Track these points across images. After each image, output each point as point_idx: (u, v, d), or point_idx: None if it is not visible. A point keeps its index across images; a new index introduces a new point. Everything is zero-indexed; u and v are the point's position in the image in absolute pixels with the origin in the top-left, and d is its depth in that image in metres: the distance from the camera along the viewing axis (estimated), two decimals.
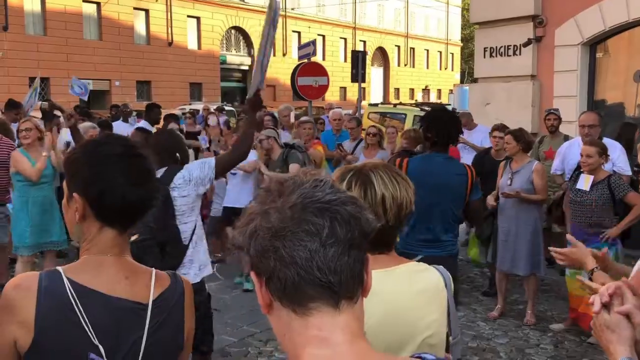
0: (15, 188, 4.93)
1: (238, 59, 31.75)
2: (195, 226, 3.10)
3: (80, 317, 1.20)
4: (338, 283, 0.78)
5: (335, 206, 0.79)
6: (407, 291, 1.42)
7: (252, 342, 4.37)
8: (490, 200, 4.93)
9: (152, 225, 2.83)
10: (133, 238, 2.59)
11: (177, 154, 3.19)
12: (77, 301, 1.21)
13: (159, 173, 3.08)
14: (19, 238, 4.87)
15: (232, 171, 5.48)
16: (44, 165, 4.81)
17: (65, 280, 1.22)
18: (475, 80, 8.67)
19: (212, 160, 3.08)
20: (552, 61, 7.31)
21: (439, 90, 45.14)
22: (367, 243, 0.82)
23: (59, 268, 1.26)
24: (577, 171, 4.56)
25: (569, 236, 1.96)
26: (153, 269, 1.36)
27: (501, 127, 5.52)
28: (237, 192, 5.57)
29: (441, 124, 3.43)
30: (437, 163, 3.36)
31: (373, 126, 6.62)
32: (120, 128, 7.99)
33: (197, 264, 3.12)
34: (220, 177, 3.14)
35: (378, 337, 1.26)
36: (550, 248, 2.00)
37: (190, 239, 3.06)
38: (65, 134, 7.00)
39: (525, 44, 7.41)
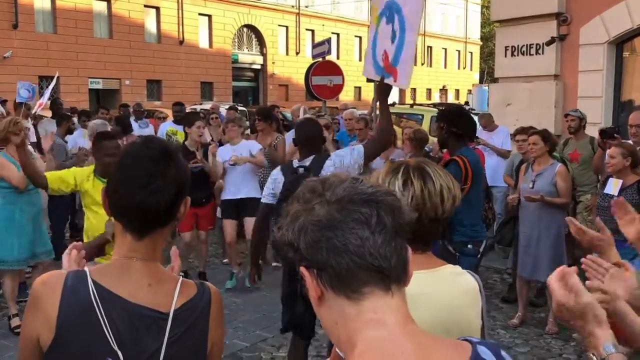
0: (0, 195, 4.56)
1: (250, 57, 31.91)
2: None
3: (101, 320, 1.22)
4: (388, 267, 0.85)
5: (379, 197, 0.87)
6: (454, 291, 1.49)
7: (264, 347, 4.40)
8: (512, 198, 4.96)
9: None
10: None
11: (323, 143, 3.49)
12: (99, 304, 1.23)
13: (307, 161, 3.27)
14: (5, 251, 4.49)
15: (230, 163, 5.59)
16: (50, 168, 4.66)
17: (90, 282, 1.25)
18: (495, 80, 8.63)
19: (360, 148, 3.29)
20: (577, 60, 7.25)
21: (457, 91, 44.93)
22: (407, 232, 0.90)
23: (86, 268, 1.30)
24: (607, 175, 4.53)
25: (598, 221, 1.91)
26: (180, 276, 1.37)
27: (524, 130, 5.49)
28: (237, 185, 5.65)
29: (466, 118, 3.88)
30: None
31: None
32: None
33: None
34: (369, 163, 3.36)
35: None
36: (568, 218, 1.91)
37: None
38: (78, 136, 7.14)
39: (549, 43, 7.37)
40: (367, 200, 0.86)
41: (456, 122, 3.84)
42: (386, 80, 3.38)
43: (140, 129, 8.23)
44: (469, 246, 3.62)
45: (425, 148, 5.47)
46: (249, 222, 5.36)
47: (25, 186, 4.49)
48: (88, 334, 1.22)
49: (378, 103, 3.62)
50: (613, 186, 4.28)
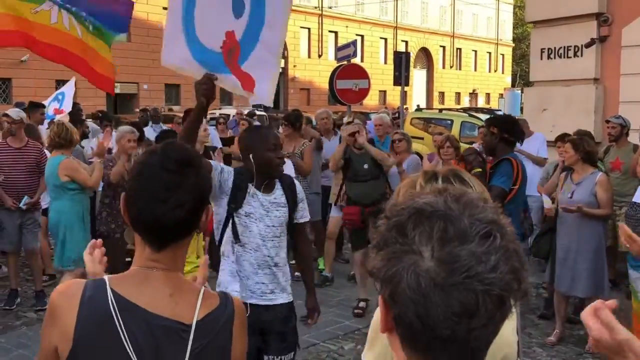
0: (65, 197, 4.90)
1: None
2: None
3: (120, 332, 1.23)
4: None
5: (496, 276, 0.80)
6: None
7: None
8: (547, 204, 4.94)
9: None
10: None
11: None
12: (118, 315, 1.23)
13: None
14: (79, 250, 4.93)
15: None
16: (101, 173, 4.99)
17: (109, 291, 1.25)
18: (529, 84, 8.56)
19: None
20: (619, 63, 7.15)
21: (488, 95, 44.59)
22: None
23: (105, 277, 1.31)
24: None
25: (622, 225, 1.87)
26: (203, 287, 1.38)
27: (564, 137, 5.46)
28: None
29: (518, 125, 4.33)
30: None
31: (396, 132, 6.68)
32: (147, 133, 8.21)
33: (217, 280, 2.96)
34: None
35: None
36: (621, 225, 1.90)
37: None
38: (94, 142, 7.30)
39: (588, 45, 7.28)
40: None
41: (509, 128, 4.17)
42: (222, 80, 2.41)
43: (154, 133, 8.37)
44: None
45: (475, 147, 5.47)
46: None
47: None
48: (106, 345, 1.22)
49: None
50: None
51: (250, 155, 2.83)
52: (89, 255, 1.54)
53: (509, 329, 1.51)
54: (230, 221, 2.85)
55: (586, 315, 1.09)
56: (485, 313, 0.77)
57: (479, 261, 0.77)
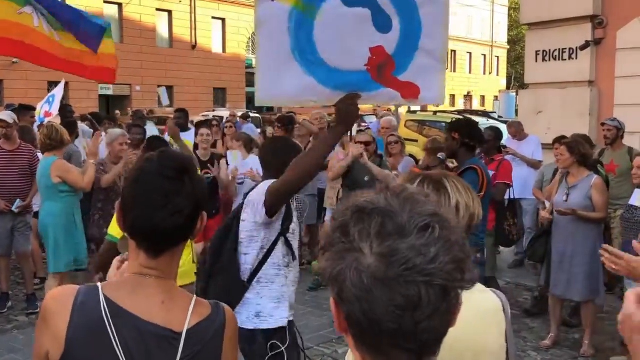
0: (56, 199, 4.88)
1: None
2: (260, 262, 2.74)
3: (112, 338, 1.23)
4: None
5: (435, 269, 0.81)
6: (467, 312, 1.44)
7: None
8: (544, 214, 4.92)
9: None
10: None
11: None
12: (110, 321, 1.24)
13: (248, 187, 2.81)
14: (77, 252, 4.97)
15: (239, 180, 5.61)
16: (94, 174, 4.96)
17: (102, 297, 1.26)
18: (524, 86, 8.60)
19: (265, 186, 2.70)
20: (613, 66, 7.19)
21: (483, 97, 44.74)
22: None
23: (99, 284, 1.31)
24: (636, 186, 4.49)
25: (635, 243, 1.87)
26: (194, 295, 1.38)
27: (561, 139, 5.48)
28: None
29: (479, 130, 4.21)
30: None
31: (392, 135, 6.71)
32: None
33: (254, 310, 2.74)
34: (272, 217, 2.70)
35: None
36: (605, 246, 1.88)
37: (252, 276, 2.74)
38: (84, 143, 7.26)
39: (583, 47, 7.33)
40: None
41: (470, 133, 4.14)
42: (371, 97, 2.50)
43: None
44: (478, 255, 3.65)
45: (439, 156, 5.49)
46: None
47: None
48: (98, 351, 1.23)
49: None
50: (638, 198, 4.24)
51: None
52: (116, 269, 1.49)
53: (493, 337, 1.47)
54: (282, 240, 2.72)
55: (631, 293, 1.09)
56: (428, 304, 0.77)
57: (418, 253, 0.77)
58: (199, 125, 8.54)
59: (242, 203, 2.79)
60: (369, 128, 9.54)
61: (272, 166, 2.84)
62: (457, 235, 0.82)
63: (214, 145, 7.15)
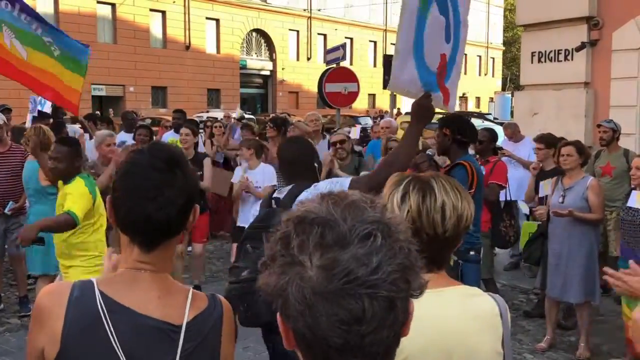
0: (45, 201, 4.80)
1: (259, 63, 32.18)
2: None
3: (109, 334, 1.22)
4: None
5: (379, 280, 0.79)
6: (458, 315, 1.44)
7: None
8: (540, 210, 4.95)
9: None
10: (243, 274, 2.40)
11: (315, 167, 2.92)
12: (107, 316, 1.23)
13: (284, 192, 2.74)
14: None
15: (246, 190, 5.56)
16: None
17: (97, 293, 1.25)
18: (520, 88, 8.64)
19: (345, 182, 2.56)
20: (609, 67, 7.23)
21: (478, 98, 44.89)
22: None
23: (93, 279, 1.30)
24: (632, 188, 4.51)
25: (632, 264, 1.90)
26: (190, 288, 1.38)
27: (542, 138, 5.56)
28: (247, 213, 5.57)
29: (472, 126, 4.13)
30: None
31: (393, 140, 6.74)
32: (122, 138, 8.05)
33: None
34: None
35: None
36: (606, 269, 1.94)
37: None
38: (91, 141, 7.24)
39: (579, 48, 7.36)
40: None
41: (462, 129, 4.03)
42: (433, 98, 2.56)
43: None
44: (472, 253, 3.64)
45: (428, 152, 5.48)
46: None
47: None
48: (95, 347, 1.22)
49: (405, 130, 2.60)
50: (637, 199, 4.25)
51: (316, 165, 2.92)
52: (109, 261, 1.49)
53: (485, 341, 1.45)
54: None
55: None
56: (373, 317, 0.75)
57: (360, 264, 0.75)
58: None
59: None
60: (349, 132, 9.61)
61: (299, 166, 2.89)
62: (403, 242, 0.79)
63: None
